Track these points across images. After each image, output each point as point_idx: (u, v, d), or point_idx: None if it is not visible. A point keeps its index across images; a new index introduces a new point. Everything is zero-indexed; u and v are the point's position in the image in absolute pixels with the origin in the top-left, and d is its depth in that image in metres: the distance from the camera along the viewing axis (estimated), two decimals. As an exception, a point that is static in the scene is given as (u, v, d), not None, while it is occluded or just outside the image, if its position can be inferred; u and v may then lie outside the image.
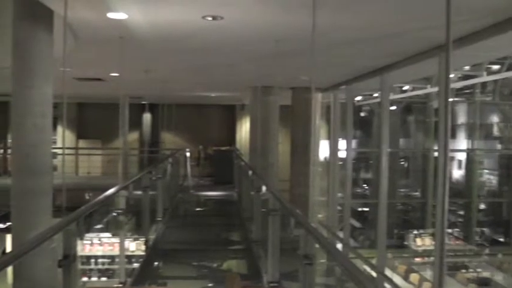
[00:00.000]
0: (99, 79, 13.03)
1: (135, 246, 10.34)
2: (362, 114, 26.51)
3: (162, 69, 11.43)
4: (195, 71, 11.57)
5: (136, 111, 22.56)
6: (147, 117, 25.01)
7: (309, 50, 5.23)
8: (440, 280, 6.98)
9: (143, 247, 9.64)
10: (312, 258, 4.14)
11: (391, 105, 23.24)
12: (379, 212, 9.21)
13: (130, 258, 9.83)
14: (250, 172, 10.86)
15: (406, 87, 20.93)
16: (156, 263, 9.27)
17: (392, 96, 21.03)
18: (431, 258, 15.98)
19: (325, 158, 15.52)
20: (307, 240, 4.21)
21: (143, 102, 21.74)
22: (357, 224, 22.13)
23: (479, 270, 18.23)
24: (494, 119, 26.06)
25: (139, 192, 8.91)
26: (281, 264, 6.45)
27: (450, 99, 20.97)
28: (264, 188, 7.96)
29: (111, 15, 5.96)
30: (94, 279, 11.05)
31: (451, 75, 19.32)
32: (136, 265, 9.20)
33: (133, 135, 25.02)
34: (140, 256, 9.63)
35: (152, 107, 23.63)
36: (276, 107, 13.94)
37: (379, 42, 7.58)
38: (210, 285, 8.43)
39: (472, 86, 21.90)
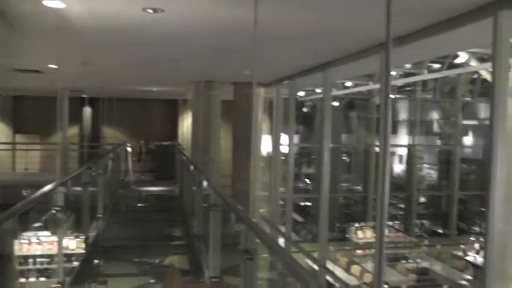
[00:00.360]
0: (36, 71, 12.63)
1: (75, 244, 10.06)
2: (305, 109, 26.73)
3: (102, 62, 11.17)
4: (136, 64, 11.36)
5: (76, 105, 22.02)
6: (87, 111, 24.43)
7: (251, 45, 5.18)
8: (380, 271, 7.07)
9: (83, 245, 9.41)
10: (253, 253, 4.12)
11: (334, 101, 23.56)
12: (321, 206, 9.28)
13: (70, 257, 9.57)
14: (191, 167, 10.78)
15: (348, 84, 21.20)
16: (96, 261, 9.09)
17: (335, 92, 21.31)
18: (372, 250, 16.29)
19: (268, 153, 15.56)
20: (247, 235, 4.19)
21: (83, 96, 21.25)
22: (299, 219, 22.32)
23: (418, 260, 18.75)
24: (435, 115, 26.77)
25: (79, 189, 8.72)
26: (223, 259, 6.43)
27: (392, 96, 21.50)
28: (205, 183, 7.90)
29: (47, 3, 5.74)
30: (32, 279, 10.70)
31: (393, 73, 19.72)
32: (76, 264, 8.98)
33: (73, 130, 24.40)
34: (81, 254, 9.40)
35: (93, 100, 23.15)
36: (218, 101, 13.86)
37: (321, 38, 7.60)
38: (151, 281, 8.34)
39: (414, 84, 22.40)
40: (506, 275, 14.10)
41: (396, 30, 6.48)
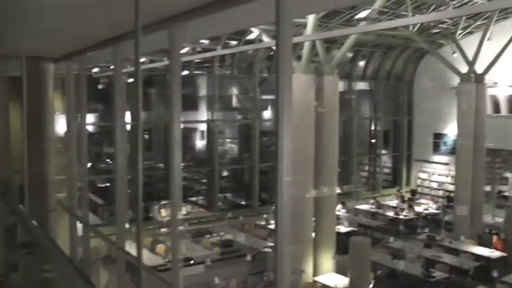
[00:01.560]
0: None
1: None
2: (101, 86, 25.73)
3: None
4: None
5: None
6: None
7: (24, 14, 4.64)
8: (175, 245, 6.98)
9: None
10: (32, 246, 3.75)
11: (130, 77, 23.01)
12: (117, 186, 8.95)
13: None
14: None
15: (143, 59, 20.83)
16: None
17: (130, 68, 20.77)
18: (179, 228, 16.23)
19: (65, 133, 14.74)
20: (24, 227, 3.81)
21: None
22: (100, 201, 21.64)
23: (222, 233, 19.28)
24: (234, 91, 27.52)
25: None
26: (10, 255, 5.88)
27: (184, 73, 21.19)
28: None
29: None
30: None
31: (186, 49, 19.78)
32: None
33: None
34: None
35: None
36: (1, 78, 12.66)
37: (110, 10, 7.16)
38: None
39: (212, 60, 22.70)
40: (299, 238, 14.86)
41: (182, 5, 6.31)
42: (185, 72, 22.77)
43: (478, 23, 22.90)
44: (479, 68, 21.71)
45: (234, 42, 21.69)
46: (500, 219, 21.81)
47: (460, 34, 23.30)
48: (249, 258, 16.75)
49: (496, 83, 23.20)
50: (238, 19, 7.07)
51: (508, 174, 23.14)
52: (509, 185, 22.93)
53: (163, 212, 18.16)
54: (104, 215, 20.14)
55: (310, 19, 15.78)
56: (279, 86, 4.57)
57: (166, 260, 14.83)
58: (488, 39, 21.58)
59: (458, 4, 19.51)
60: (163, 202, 19.66)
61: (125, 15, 7.53)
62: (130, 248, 10.23)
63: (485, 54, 21.21)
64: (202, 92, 25.98)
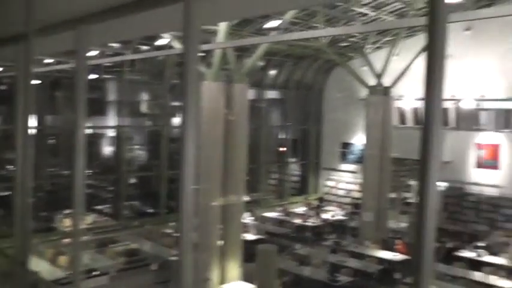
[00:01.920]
0: None
1: None
2: (3, 87, 24.50)
3: None
4: None
5: None
6: None
7: None
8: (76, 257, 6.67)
9: None
10: None
11: (37, 78, 22.05)
12: (16, 194, 8.45)
13: None
14: None
15: (51, 61, 20.10)
16: None
17: (37, 69, 19.95)
18: (83, 238, 15.79)
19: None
20: None
21: None
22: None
23: (127, 243, 18.85)
24: (144, 96, 27.10)
25: None
26: None
27: (93, 76, 20.62)
28: None
29: None
30: None
31: (94, 52, 19.28)
32: None
33: None
34: None
35: None
36: None
37: (15, 6, 6.80)
38: None
39: (122, 64, 22.24)
40: (205, 246, 14.72)
41: (90, 6, 6.07)
42: (94, 76, 22.16)
43: (387, 38, 23.71)
44: (386, 81, 22.45)
45: (145, 47, 21.36)
46: (404, 224, 22.60)
47: (369, 48, 24.04)
48: (155, 267, 16.45)
49: (402, 96, 24.07)
50: (148, 24, 6.88)
51: (411, 182, 23.98)
52: (413, 192, 23.79)
53: (67, 222, 17.46)
54: (1, 227, 19.11)
55: (222, 27, 15.74)
56: (185, 93, 4.47)
57: (68, 273, 14.26)
58: (397, 54, 22.39)
59: (369, 20, 20.15)
60: (67, 211, 18.93)
61: (23, 13, 7.19)
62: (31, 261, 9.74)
63: (393, 68, 21.98)
64: (112, 96, 25.37)
